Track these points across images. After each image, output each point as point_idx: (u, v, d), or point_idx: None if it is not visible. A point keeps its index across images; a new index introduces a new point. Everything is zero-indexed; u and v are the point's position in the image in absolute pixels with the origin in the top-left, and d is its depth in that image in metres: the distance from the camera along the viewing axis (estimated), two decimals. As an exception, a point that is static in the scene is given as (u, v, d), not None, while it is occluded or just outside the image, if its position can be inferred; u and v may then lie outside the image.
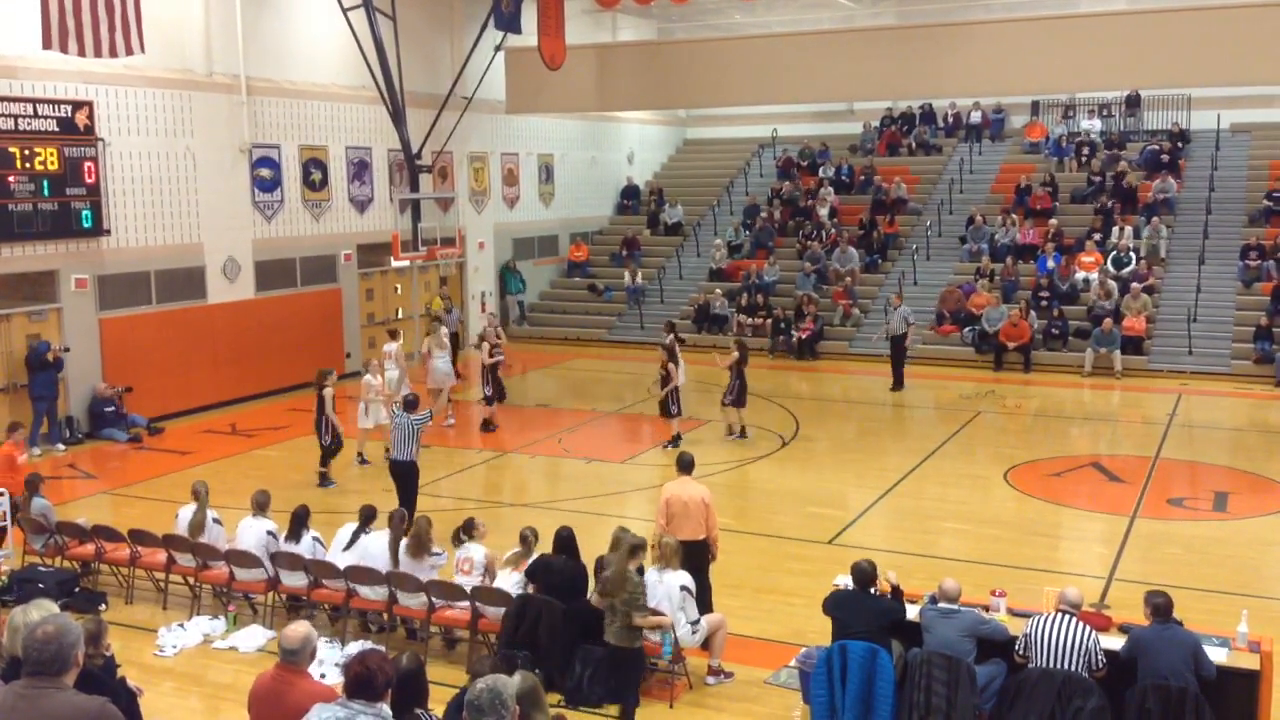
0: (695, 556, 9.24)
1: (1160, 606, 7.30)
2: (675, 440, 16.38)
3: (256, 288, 20.30)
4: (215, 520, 10.73)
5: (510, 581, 9.14)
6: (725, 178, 31.73)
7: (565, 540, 9.07)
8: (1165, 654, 7.09)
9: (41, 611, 6.34)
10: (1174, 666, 7.03)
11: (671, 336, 17.35)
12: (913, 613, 8.01)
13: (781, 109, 30.25)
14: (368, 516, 10.09)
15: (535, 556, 9.19)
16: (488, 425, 17.47)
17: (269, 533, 10.26)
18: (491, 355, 17.46)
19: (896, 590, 7.99)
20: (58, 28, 15.13)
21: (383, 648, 8.71)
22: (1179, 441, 16.72)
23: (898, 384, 20.64)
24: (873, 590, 7.86)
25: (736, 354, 16.76)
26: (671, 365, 16.52)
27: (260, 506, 10.48)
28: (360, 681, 4.97)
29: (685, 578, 8.60)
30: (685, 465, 9.87)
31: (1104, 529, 12.69)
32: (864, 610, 7.68)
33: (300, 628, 5.67)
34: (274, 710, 5.42)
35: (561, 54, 23.59)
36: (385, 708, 5.04)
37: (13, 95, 16.08)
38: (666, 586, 8.52)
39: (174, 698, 8.74)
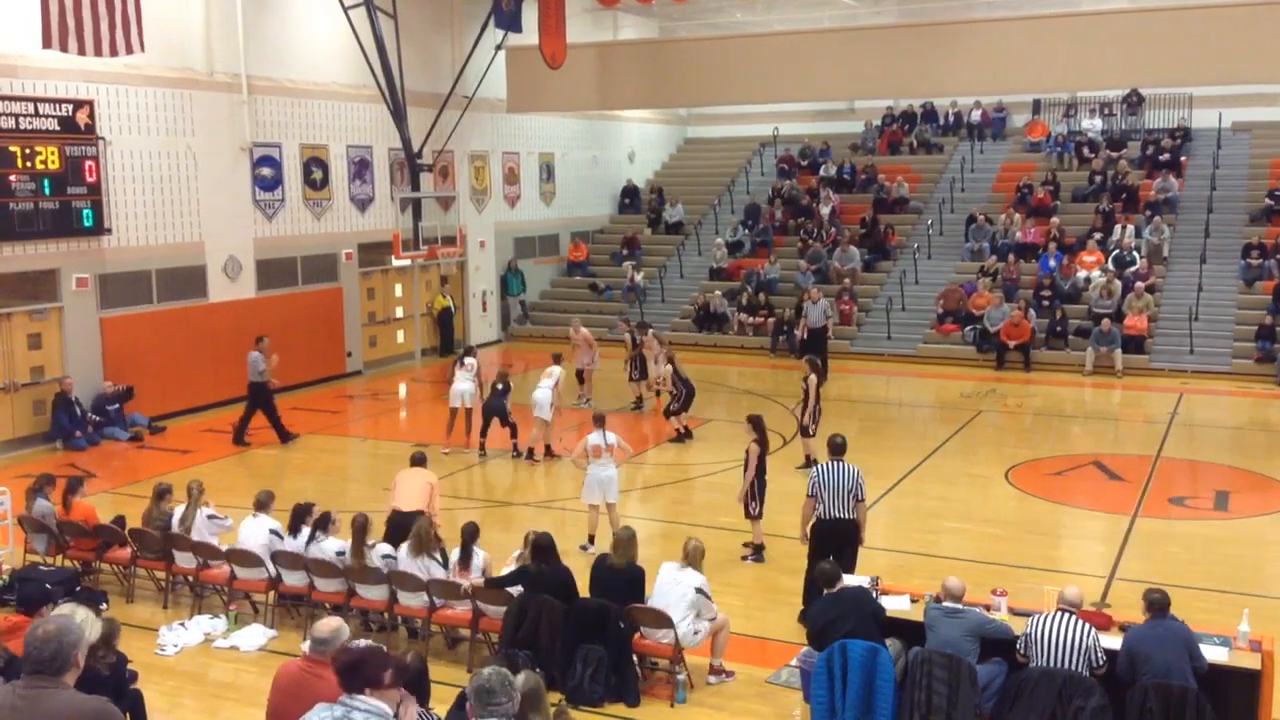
0: (412, 520, 10.25)
1: (1156, 603, 7.32)
2: (685, 434, 16.78)
3: (258, 287, 20.30)
4: (209, 517, 10.73)
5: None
6: (726, 176, 31.70)
7: (542, 547, 8.94)
8: (1160, 649, 7.09)
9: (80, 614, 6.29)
10: (1170, 661, 7.03)
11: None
12: (916, 611, 8.02)
13: (782, 108, 30.27)
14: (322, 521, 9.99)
15: (514, 569, 9.16)
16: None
17: (272, 531, 10.28)
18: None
19: None
20: (58, 26, 15.12)
21: (384, 646, 8.71)
22: (1180, 440, 16.71)
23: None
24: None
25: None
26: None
27: (262, 505, 10.51)
28: (350, 670, 4.71)
29: (700, 579, 8.63)
30: (418, 460, 11.49)
31: (1105, 528, 12.68)
32: (852, 607, 7.71)
33: (332, 619, 5.67)
34: (296, 699, 5.29)
35: (562, 53, 23.59)
36: (384, 706, 4.70)
37: (13, 94, 16.08)
38: (683, 587, 8.56)
39: (175, 697, 8.74)
